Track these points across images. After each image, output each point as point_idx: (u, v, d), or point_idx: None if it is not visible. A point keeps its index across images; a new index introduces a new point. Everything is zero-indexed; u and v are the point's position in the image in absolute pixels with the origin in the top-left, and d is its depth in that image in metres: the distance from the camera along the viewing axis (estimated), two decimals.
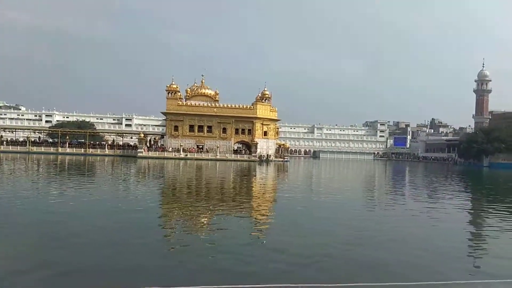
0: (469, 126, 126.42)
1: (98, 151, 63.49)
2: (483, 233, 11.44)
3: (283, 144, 75.21)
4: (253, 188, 22.36)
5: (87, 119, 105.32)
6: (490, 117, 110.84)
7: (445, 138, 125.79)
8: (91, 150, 63.22)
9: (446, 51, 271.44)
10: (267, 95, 68.84)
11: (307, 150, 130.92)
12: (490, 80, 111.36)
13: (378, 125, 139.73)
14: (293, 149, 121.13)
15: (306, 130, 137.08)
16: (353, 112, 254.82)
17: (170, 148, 62.48)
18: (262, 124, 66.78)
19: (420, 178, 37.93)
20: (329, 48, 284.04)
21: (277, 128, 73.70)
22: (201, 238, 9.14)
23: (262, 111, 67.01)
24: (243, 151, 68.90)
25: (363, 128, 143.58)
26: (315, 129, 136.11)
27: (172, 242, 8.76)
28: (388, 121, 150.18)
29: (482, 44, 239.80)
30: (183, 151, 60.88)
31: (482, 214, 15.23)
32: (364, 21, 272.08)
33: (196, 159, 58.27)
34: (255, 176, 32.51)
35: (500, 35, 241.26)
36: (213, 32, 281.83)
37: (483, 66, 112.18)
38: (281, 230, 10.19)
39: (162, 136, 69.16)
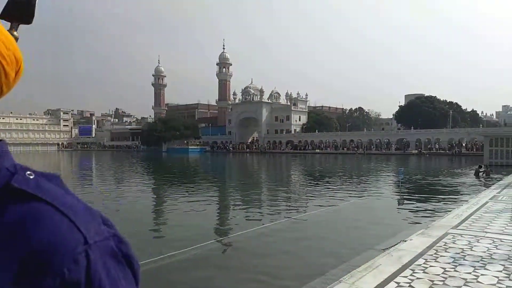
0: (150, 116, 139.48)
1: None
2: (165, 209, 12.80)
3: None
4: None
5: None
6: (167, 109, 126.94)
7: (129, 127, 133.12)
8: None
9: (131, 47, 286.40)
10: None
11: None
12: (165, 76, 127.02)
13: (61, 113, 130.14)
14: None
15: None
16: (32, 100, 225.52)
17: None
18: None
19: (107, 166, 38.33)
20: None
21: None
22: None
23: None
24: None
25: (44, 116, 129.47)
26: None
27: None
28: (72, 110, 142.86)
29: (159, 43, 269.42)
30: None
31: (162, 193, 17.07)
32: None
33: None
34: None
35: (173, 39, 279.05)
36: None
37: (158, 63, 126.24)
38: None
39: None
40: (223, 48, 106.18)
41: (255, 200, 14.16)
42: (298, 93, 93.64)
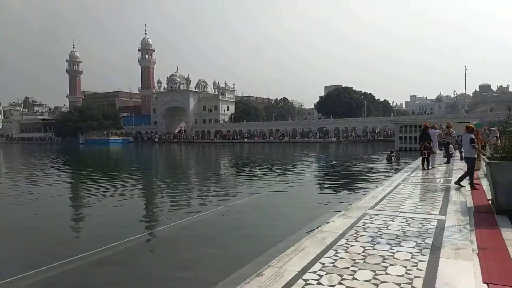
0: (65, 105, 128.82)
1: None
2: (80, 205, 11.91)
3: None
4: None
5: None
6: (84, 97, 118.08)
7: (41, 117, 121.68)
8: None
9: (43, 28, 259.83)
10: None
11: None
12: (81, 62, 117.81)
13: None
14: None
15: None
16: None
17: None
18: None
19: (15, 161, 34.59)
20: None
21: None
22: None
23: None
24: None
25: None
26: None
27: None
28: None
29: (74, 26, 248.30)
30: None
31: (78, 188, 15.89)
32: None
33: None
34: None
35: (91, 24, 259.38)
36: None
37: (73, 47, 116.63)
38: None
39: None
40: (145, 34, 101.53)
41: (180, 192, 13.78)
42: (225, 83, 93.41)
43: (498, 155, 5.98)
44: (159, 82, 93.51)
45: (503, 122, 7.93)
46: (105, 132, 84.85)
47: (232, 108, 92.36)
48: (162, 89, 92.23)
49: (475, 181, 8.50)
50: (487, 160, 5.95)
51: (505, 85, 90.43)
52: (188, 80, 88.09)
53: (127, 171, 23.04)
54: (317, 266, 3.60)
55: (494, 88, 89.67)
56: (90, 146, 69.75)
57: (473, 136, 8.32)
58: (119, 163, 31.73)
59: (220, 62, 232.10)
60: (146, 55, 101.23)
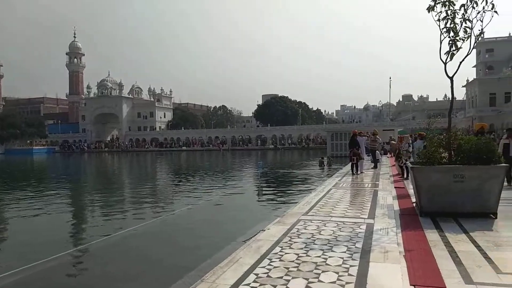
0: None
1: None
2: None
3: None
4: None
5: None
6: (4, 103, 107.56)
7: None
8: None
9: None
10: None
11: None
12: (2, 65, 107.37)
13: None
14: None
15: None
16: None
17: None
18: None
19: None
20: None
21: None
22: None
23: None
24: None
25: None
26: None
27: None
28: None
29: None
30: None
31: None
32: None
33: None
34: None
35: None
36: None
37: None
38: None
39: None
40: (74, 37, 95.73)
41: (108, 205, 12.89)
42: (162, 89, 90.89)
43: (421, 160, 6.36)
44: (88, 87, 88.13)
45: (425, 129, 8.47)
46: (28, 141, 77.98)
47: (169, 115, 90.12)
48: (92, 95, 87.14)
49: (398, 185, 9.02)
50: (411, 165, 6.29)
51: (425, 95, 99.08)
52: (120, 85, 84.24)
53: (48, 183, 21.18)
54: (251, 277, 3.48)
55: (415, 98, 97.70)
56: (11, 156, 63.64)
57: (425, 144, 8.63)
58: (41, 174, 29.17)
59: (156, 68, 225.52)
60: (75, 59, 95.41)
